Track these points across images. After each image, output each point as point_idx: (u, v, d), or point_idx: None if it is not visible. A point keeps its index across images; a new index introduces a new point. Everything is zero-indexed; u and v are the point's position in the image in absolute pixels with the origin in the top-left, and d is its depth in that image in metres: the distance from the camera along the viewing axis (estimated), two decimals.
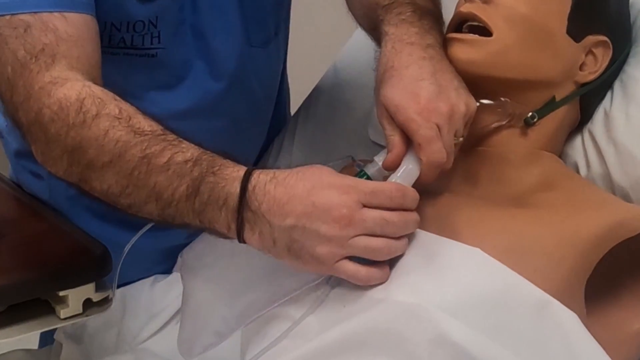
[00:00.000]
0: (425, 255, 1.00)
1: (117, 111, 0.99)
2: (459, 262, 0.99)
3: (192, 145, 0.99)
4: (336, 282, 0.98)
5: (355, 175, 1.04)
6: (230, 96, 1.30)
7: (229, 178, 0.95)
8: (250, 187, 0.94)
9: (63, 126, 0.99)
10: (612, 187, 1.16)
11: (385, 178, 1.03)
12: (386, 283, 0.97)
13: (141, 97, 1.20)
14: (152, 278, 1.33)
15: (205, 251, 1.06)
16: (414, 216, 0.95)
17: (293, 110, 1.59)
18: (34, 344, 1.48)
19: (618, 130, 1.16)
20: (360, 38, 1.51)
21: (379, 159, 1.05)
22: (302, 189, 0.93)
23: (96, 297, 1.09)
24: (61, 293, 1.06)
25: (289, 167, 1.45)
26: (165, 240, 1.27)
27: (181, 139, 0.99)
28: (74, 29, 1.04)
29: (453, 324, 0.93)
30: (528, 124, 1.11)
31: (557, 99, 1.12)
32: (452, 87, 1.03)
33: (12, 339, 1.05)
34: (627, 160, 1.15)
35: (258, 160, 1.52)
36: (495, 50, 1.07)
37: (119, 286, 1.11)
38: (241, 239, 0.95)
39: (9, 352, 1.34)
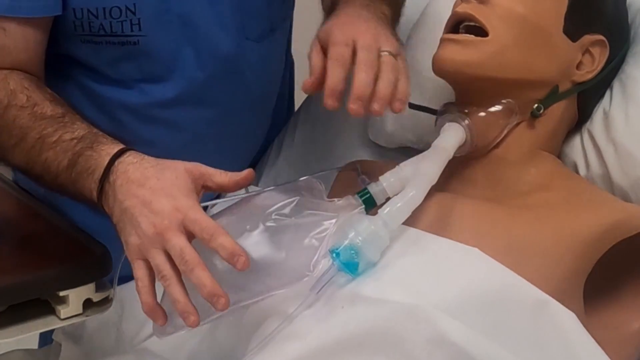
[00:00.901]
0: (423, 255, 1.00)
1: (24, 100, 1.14)
2: (457, 262, 0.99)
3: (85, 125, 1.10)
4: (327, 283, 0.98)
5: (358, 194, 1.04)
6: (220, 86, 1.31)
7: (103, 153, 1.05)
8: (116, 162, 1.03)
9: None
10: (611, 187, 1.16)
11: (387, 199, 1.04)
12: (385, 283, 0.98)
13: (131, 87, 1.27)
14: None
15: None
16: (201, 272, 0.95)
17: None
18: (34, 344, 1.48)
19: (617, 130, 1.16)
20: None
21: (384, 180, 1.05)
22: (151, 184, 1.00)
23: (96, 297, 1.09)
24: (61, 293, 1.06)
25: (289, 168, 1.46)
26: None
27: (77, 120, 1.11)
28: (11, 40, 1.18)
29: (451, 324, 0.93)
30: (535, 115, 1.11)
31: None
32: (379, 25, 1.10)
33: (12, 339, 1.05)
34: (626, 160, 1.15)
35: (258, 158, 1.52)
36: (491, 51, 1.07)
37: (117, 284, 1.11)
38: (100, 205, 1.05)
39: (8, 352, 1.34)
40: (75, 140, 1.08)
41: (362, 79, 1.04)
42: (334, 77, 1.05)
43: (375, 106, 1.04)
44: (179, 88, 1.29)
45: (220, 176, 1.04)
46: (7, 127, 1.14)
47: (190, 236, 0.98)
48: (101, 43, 1.23)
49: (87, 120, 1.12)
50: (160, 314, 1.00)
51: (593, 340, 0.98)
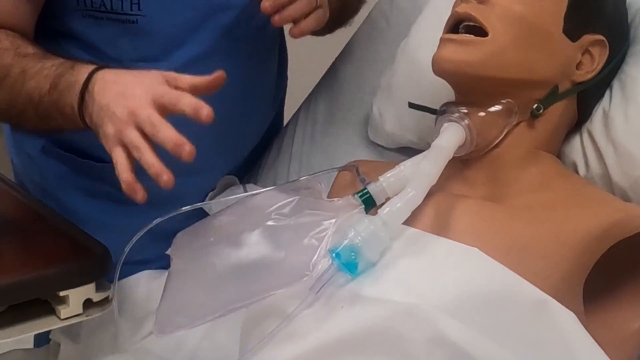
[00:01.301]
0: (423, 254, 1.00)
1: (8, 43, 1.19)
2: (457, 262, 0.99)
3: (65, 58, 1.16)
4: (326, 283, 0.98)
5: (357, 194, 1.04)
6: (218, 67, 1.32)
7: (83, 70, 1.11)
8: (95, 75, 1.10)
9: None
10: (611, 187, 1.16)
11: (387, 199, 1.04)
12: (384, 283, 0.98)
13: (127, 67, 1.24)
14: (147, 274, 1.33)
15: (197, 236, 1.07)
16: (167, 130, 1.01)
17: (290, 111, 1.59)
18: (30, 344, 1.48)
19: (617, 130, 1.16)
20: (360, 38, 1.52)
21: (383, 180, 1.05)
22: (126, 80, 1.08)
23: (96, 297, 1.09)
24: (61, 293, 1.06)
25: (289, 168, 1.46)
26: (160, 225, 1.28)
27: (58, 56, 1.16)
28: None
29: (451, 324, 0.93)
30: (535, 115, 1.11)
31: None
32: None
33: (13, 339, 1.05)
34: (626, 160, 1.15)
35: (258, 156, 1.52)
36: (491, 51, 1.07)
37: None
38: (81, 118, 1.10)
39: (7, 352, 1.34)
40: (55, 66, 1.14)
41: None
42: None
43: (276, 17, 1.17)
44: (175, 68, 1.29)
45: (190, 77, 1.08)
46: None
47: (161, 112, 1.03)
48: (102, 19, 1.26)
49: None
50: (139, 188, 1.03)
51: (593, 340, 0.98)
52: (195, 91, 1.07)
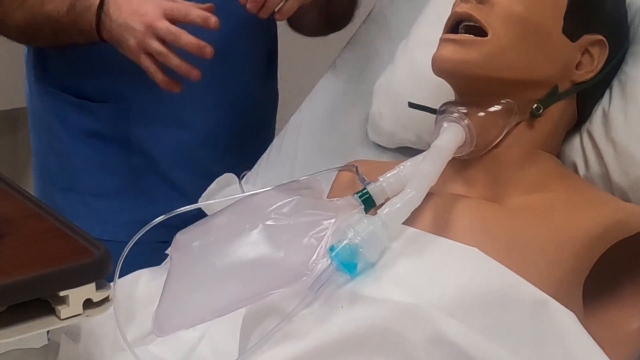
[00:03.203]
0: (423, 254, 1.00)
1: None
2: (456, 261, 0.99)
3: None
4: (325, 283, 0.98)
5: (357, 194, 1.05)
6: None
7: None
8: None
9: None
10: (611, 187, 1.16)
11: (387, 199, 1.04)
12: (384, 283, 0.98)
13: None
14: (146, 272, 1.33)
15: (196, 236, 1.07)
16: (187, 36, 1.26)
17: (291, 111, 1.59)
18: (37, 344, 1.48)
19: (617, 130, 1.16)
20: (360, 38, 1.52)
21: (383, 180, 1.05)
22: (137, 2, 1.29)
23: (96, 297, 1.08)
24: (61, 293, 1.06)
25: (288, 168, 1.47)
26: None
27: None
28: None
29: (451, 324, 0.93)
30: (535, 115, 1.11)
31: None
32: None
33: (13, 339, 1.05)
34: (626, 160, 1.15)
35: (258, 158, 1.52)
36: (490, 51, 1.07)
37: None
38: (99, 35, 1.33)
39: (7, 352, 1.34)
40: None
41: None
42: None
43: (260, 13, 1.30)
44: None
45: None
46: None
47: (173, 22, 1.26)
48: None
49: None
50: (174, 82, 1.30)
51: (592, 340, 0.98)
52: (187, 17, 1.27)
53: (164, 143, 1.52)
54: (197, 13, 1.26)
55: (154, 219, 1.06)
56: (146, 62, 1.28)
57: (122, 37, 1.29)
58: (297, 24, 1.56)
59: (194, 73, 1.27)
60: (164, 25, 1.25)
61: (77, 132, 1.54)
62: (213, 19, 1.25)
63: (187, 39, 1.25)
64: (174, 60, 1.27)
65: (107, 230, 1.50)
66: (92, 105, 1.52)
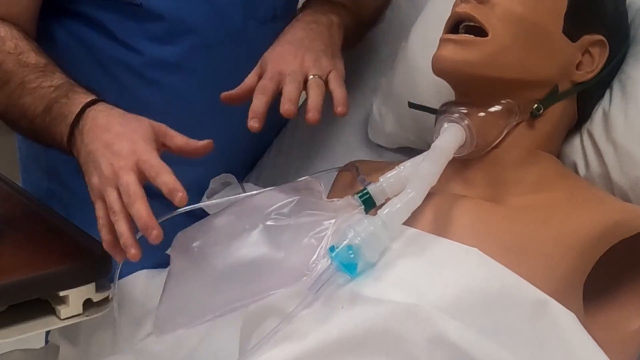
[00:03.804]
0: (423, 255, 1.00)
1: (12, 47, 1.22)
2: (457, 262, 0.99)
3: (63, 76, 1.19)
4: (326, 283, 0.98)
5: (357, 194, 1.04)
6: (221, 58, 1.35)
7: (77, 101, 1.14)
8: (87, 110, 1.12)
9: None
10: (611, 187, 1.16)
11: (387, 200, 1.04)
12: (384, 283, 0.98)
13: (133, 46, 1.32)
14: (145, 273, 1.33)
15: (196, 236, 1.07)
16: (141, 205, 1.02)
17: None
18: (37, 344, 1.48)
19: (617, 130, 1.16)
20: None
21: (383, 180, 1.05)
22: (116, 130, 1.09)
23: (96, 297, 1.09)
24: (61, 293, 1.06)
25: (288, 168, 1.47)
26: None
27: (56, 71, 1.19)
28: None
29: (451, 324, 0.93)
30: (535, 115, 1.11)
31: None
32: (312, 48, 1.25)
33: (13, 339, 1.05)
34: (626, 160, 1.15)
35: (258, 156, 1.52)
36: (491, 51, 1.07)
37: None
38: (69, 149, 1.14)
39: (8, 352, 1.34)
40: (52, 88, 1.17)
41: (289, 94, 1.17)
42: (256, 104, 1.18)
43: (309, 115, 1.17)
44: (181, 53, 1.33)
45: (180, 138, 1.11)
46: None
47: (142, 177, 1.05)
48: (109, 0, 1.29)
49: (66, 73, 1.20)
50: (118, 250, 1.05)
51: (593, 340, 0.98)
52: (181, 153, 1.11)
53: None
54: (165, 180, 1.03)
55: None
56: (99, 211, 1.07)
57: (88, 168, 1.10)
58: None
59: (132, 252, 1.03)
60: (126, 180, 1.03)
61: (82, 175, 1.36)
62: (179, 194, 1.02)
63: (138, 208, 1.02)
64: (120, 225, 1.03)
65: None
66: None
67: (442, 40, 1.11)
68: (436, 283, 0.97)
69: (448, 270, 0.99)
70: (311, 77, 1.21)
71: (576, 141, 1.20)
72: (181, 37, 1.31)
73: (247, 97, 1.20)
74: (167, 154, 1.12)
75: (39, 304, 1.07)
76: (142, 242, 1.05)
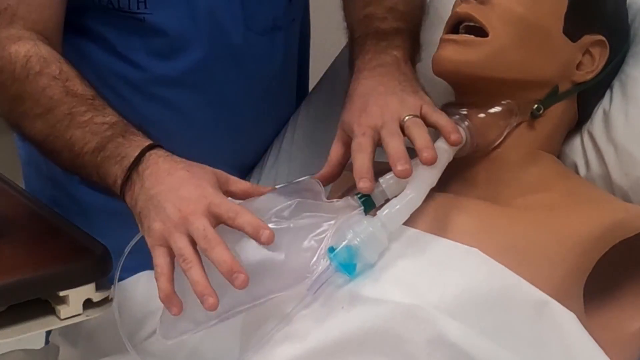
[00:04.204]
0: (423, 255, 1.00)
1: (57, 72, 1.13)
2: (457, 262, 0.99)
3: (115, 113, 1.11)
4: (325, 283, 0.98)
5: (357, 195, 1.04)
6: (223, 72, 1.32)
7: (135, 144, 1.07)
8: (147, 154, 1.05)
9: (9, 77, 1.15)
10: (611, 187, 1.16)
11: (386, 201, 1.04)
12: (384, 284, 0.98)
13: (136, 61, 1.29)
14: (146, 274, 1.33)
15: None
16: (223, 250, 0.96)
17: None
18: (37, 344, 1.48)
19: (617, 130, 1.16)
20: None
21: (383, 181, 1.05)
22: (180, 174, 1.03)
23: (96, 297, 1.09)
24: (61, 293, 1.06)
25: (288, 168, 1.46)
26: None
27: (106, 106, 1.12)
28: None
29: (451, 325, 0.93)
30: (535, 116, 1.11)
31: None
32: (391, 91, 1.10)
33: (12, 339, 1.05)
34: (626, 160, 1.15)
35: (258, 159, 1.52)
36: (491, 51, 1.07)
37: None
38: (121, 192, 1.06)
39: (8, 352, 1.34)
40: (106, 125, 1.09)
41: (394, 148, 1.04)
42: (358, 164, 1.05)
43: (425, 156, 1.02)
44: (182, 68, 1.31)
45: (244, 183, 1.07)
46: (36, 94, 1.13)
47: (215, 222, 0.98)
48: (112, 15, 1.26)
49: (114, 107, 1.13)
50: (176, 302, 0.98)
51: (593, 340, 0.98)
52: (245, 196, 1.06)
53: None
54: (247, 219, 0.97)
55: None
56: (160, 259, 0.99)
57: (148, 214, 1.01)
58: None
59: (210, 301, 0.95)
60: (202, 225, 0.97)
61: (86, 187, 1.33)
62: (266, 232, 0.96)
63: (219, 253, 0.95)
64: (194, 272, 0.96)
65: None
66: None
67: (442, 41, 1.11)
68: (436, 283, 0.97)
69: (448, 270, 0.99)
70: (406, 118, 1.06)
71: (576, 141, 1.20)
72: (183, 53, 1.29)
73: (340, 172, 1.13)
74: None
75: (39, 304, 1.07)
76: (142, 243, 1.05)
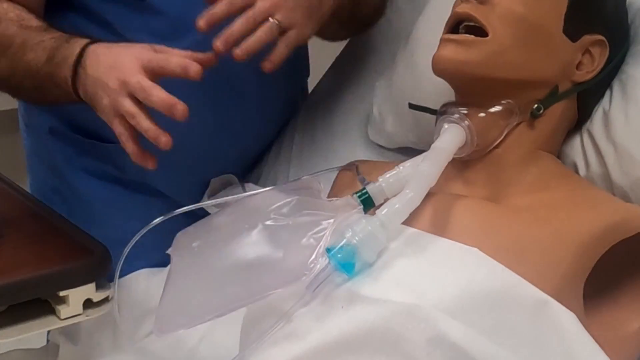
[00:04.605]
0: (423, 254, 1.00)
1: (13, 16, 1.23)
2: (457, 262, 0.99)
3: (64, 32, 1.20)
4: (323, 282, 0.98)
5: (356, 194, 1.05)
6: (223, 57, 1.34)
7: (76, 44, 1.16)
8: (87, 49, 1.15)
9: None
10: (611, 187, 1.16)
11: (386, 200, 1.04)
12: (383, 283, 0.98)
13: (129, 41, 1.29)
14: (145, 272, 1.34)
15: (196, 236, 1.07)
16: (159, 92, 1.07)
17: None
18: (37, 344, 1.48)
19: (617, 130, 1.16)
20: (360, 38, 1.52)
21: (383, 180, 1.05)
22: (114, 51, 1.13)
23: (96, 297, 1.09)
24: (61, 293, 1.06)
25: (289, 168, 1.47)
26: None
27: (58, 30, 1.20)
28: None
29: (451, 324, 0.93)
30: (535, 116, 1.11)
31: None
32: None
33: (13, 339, 1.05)
34: (626, 160, 1.15)
35: (257, 159, 1.52)
36: (491, 51, 1.07)
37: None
38: (74, 90, 1.15)
39: (8, 352, 1.34)
40: (53, 39, 1.18)
41: (235, 26, 1.14)
42: (217, 7, 1.15)
43: (237, 51, 1.14)
44: (181, 50, 1.31)
45: (181, 51, 1.14)
46: None
47: (150, 77, 1.08)
48: None
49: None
50: (149, 156, 1.10)
51: (593, 340, 0.98)
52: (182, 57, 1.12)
53: (182, 183, 1.41)
54: (175, 61, 1.09)
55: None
56: (118, 128, 1.10)
57: (96, 95, 1.12)
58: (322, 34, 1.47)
59: (163, 140, 1.07)
60: (136, 80, 1.07)
61: (86, 175, 1.41)
62: (193, 67, 1.08)
63: (157, 95, 1.06)
64: (144, 123, 1.08)
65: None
66: (103, 145, 1.38)
67: (443, 40, 1.11)
68: (436, 283, 0.97)
69: (448, 269, 0.99)
70: (272, 20, 1.15)
71: (576, 141, 1.20)
72: (182, 34, 1.29)
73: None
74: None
75: (39, 304, 1.07)
76: (142, 242, 1.05)
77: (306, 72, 1.58)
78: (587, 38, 1.12)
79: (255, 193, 1.08)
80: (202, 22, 1.15)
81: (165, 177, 1.37)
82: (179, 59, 1.09)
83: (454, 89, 1.15)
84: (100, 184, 1.39)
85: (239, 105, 1.38)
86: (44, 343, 1.41)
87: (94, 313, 1.09)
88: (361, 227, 0.98)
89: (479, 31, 1.08)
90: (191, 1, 1.28)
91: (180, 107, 1.06)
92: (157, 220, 1.07)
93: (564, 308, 0.97)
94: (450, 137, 1.07)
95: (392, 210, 1.00)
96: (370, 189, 1.05)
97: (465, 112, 1.09)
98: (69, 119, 1.40)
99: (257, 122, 1.44)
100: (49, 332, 1.43)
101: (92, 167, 1.40)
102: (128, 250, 1.05)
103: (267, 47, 1.20)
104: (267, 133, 1.50)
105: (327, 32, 1.37)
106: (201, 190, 1.41)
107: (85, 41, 1.16)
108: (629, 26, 1.20)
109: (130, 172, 1.38)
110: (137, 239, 1.06)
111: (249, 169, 1.51)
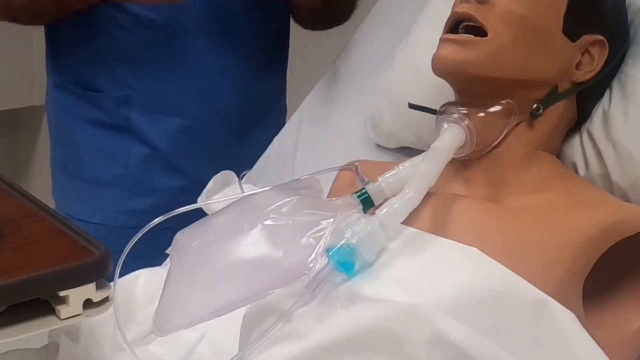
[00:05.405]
0: (422, 254, 1.00)
1: None
2: (456, 261, 0.99)
3: None
4: (323, 282, 0.99)
5: (356, 194, 1.05)
6: (212, 18, 1.49)
7: None
8: None
9: None
10: (610, 187, 1.16)
11: (385, 200, 1.04)
12: (383, 283, 0.98)
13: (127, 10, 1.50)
14: (145, 271, 1.34)
15: (196, 235, 1.07)
16: None
17: (291, 111, 1.59)
18: (37, 344, 1.48)
19: (617, 130, 1.16)
20: (360, 38, 1.52)
21: (382, 180, 1.06)
22: None
23: (96, 297, 1.08)
24: (61, 293, 1.06)
25: (288, 168, 1.47)
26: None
27: None
28: None
29: (451, 324, 0.93)
30: (534, 115, 1.11)
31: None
32: None
33: (12, 339, 1.05)
34: (625, 160, 1.15)
35: (258, 158, 1.53)
36: (490, 51, 1.07)
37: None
38: None
39: (7, 352, 1.34)
40: None
41: None
42: None
43: None
44: (168, 14, 1.48)
45: None
46: None
47: None
48: None
49: None
50: None
51: (592, 340, 0.98)
52: None
53: (165, 130, 1.56)
54: None
55: (154, 206, 1.07)
56: None
57: None
58: (295, 15, 1.60)
59: None
60: None
61: (80, 122, 1.60)
62: None
63: None
64: None
65: (107, 217, 1.59)
66: (94, 95, 1.57)
67: (442, 40, 1.11)
68: (435, 282, 0.97)
69: (447, 269, 0.99)
70: None
71: (576, 141, 1.20)
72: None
73: None
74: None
75: (39, 304, 1.07)
76: (142, 242, 1.05)
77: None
78: (586, 38, 1.12)
79: (255, 193, 1.08)
80: None
81: (148, 121, 1.55)
82: None
83: (454, 88, 1.15)
84: (88, 129, 1.58)
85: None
86: (44, 343, 1.41)
87: (94, 313, 1.09)
88: (361, 226, 0.98)
89: (479, 31, 1.08)
90: None
91: None
92: (156, 220, 1.07)
93: (563, 308, 0.98)
94: (450, 137, 1.07)
95: (392, 210, 1.00)
96: (370, 188, 1.05)
97: (465, 112, 1.09)
98: (71, 74, 1.59)
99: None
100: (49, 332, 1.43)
101: (84, 114, 1.59)
102: (128, 250, 1.05)
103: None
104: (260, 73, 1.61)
105: (301, 16, 1.52)
106: (201, 186, 1.44)
107: None
108: (628, 26, 1.20)
109: (115, 117, 1.57)
110: (137, 239, 1.06)
111: (249, 167, 1.53)
